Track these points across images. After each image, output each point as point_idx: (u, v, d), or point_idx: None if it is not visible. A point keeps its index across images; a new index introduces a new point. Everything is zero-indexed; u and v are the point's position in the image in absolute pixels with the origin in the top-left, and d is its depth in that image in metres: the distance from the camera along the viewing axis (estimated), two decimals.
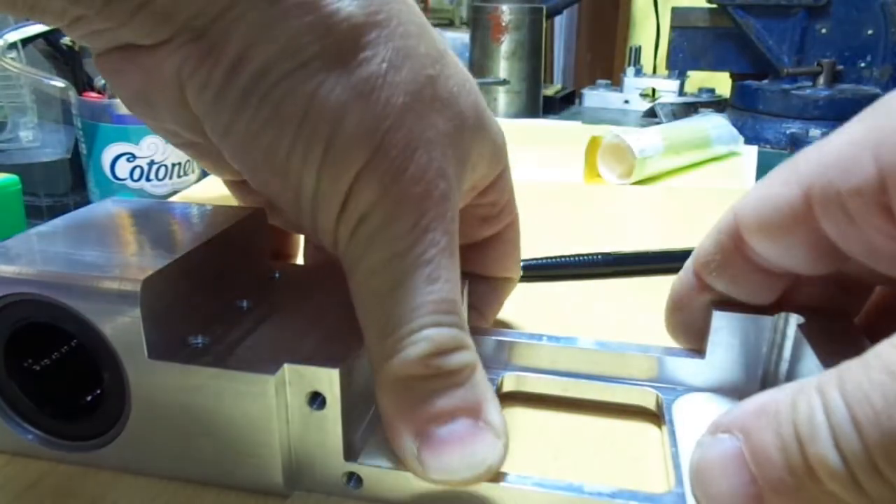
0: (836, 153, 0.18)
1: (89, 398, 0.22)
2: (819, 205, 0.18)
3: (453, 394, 0.20)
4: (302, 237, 0.30)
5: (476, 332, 0.26)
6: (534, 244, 0.43)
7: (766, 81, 0.86)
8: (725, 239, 0.22)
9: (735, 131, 0.71)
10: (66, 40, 0.55)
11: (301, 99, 0.19)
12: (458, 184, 0.22)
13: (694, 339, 0.25)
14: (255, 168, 0.20)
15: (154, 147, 0.52)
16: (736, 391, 0.25)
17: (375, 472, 0.21)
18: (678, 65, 0.97)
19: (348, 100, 0.19)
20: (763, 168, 0.66)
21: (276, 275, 0.26)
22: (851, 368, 0.14)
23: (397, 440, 0.20)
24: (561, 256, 0.39)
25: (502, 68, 0.92)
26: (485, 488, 0.20)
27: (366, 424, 0.22)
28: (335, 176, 0.19)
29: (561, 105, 1.05)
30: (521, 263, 0.38)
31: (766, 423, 0.15)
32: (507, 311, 0.34)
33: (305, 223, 0.21)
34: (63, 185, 0.56)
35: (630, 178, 0.59)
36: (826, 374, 0.15)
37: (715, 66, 0.96)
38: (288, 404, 0.20)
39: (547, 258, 0.39)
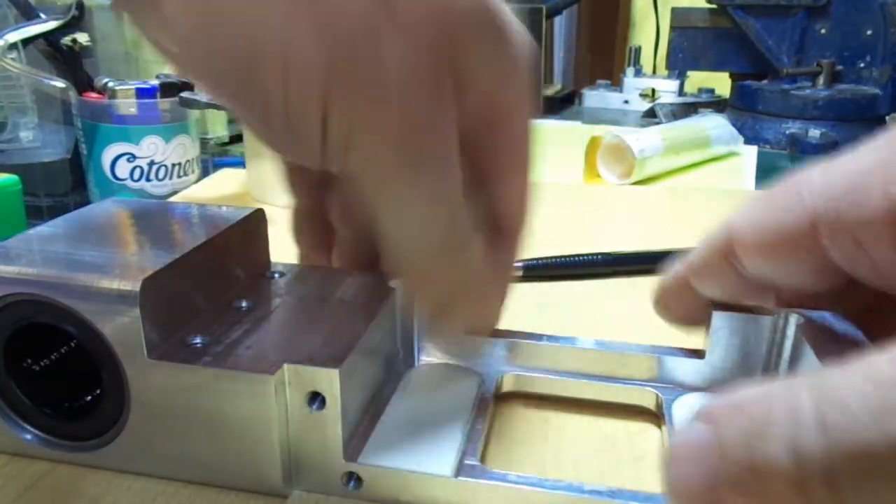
0: (845, 183, 0.18)
1: (89, 398, 0.22)
2: (827, 234, 0.18)
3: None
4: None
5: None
6: (534, 244, 0.43)
7: (765, 82, 0.86)
8: (717, 255, 0.22)
9: (735, 131, 0.71)
10: (66, 40, 0.55)
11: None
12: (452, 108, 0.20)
13: (687, 325, 0.25)
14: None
15: (154, 147, 0.52)
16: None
17: (375, 472, 0.21)
18: (678, 65, 0.97)
19: (289, 10, 0.17)
20: (762, 168, 0.66)
21: (276, 275, 0.26)
22: (833, 372, 0.14)
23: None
24: (561, 256, 0.39)
25: None
26: (485, 488, 0.20)
27: (366, 424, 0.22)
28: (301, 100, 0.18)
29: (561, 105, 1.05)
30: (522, 264, 0.38)
31: (735, 416, 0.14)
32: (507, 310, 0.34)
33: (294, 150, 0.20)
34: (63, 186, 0.56)
35: (630, 179, 0.59)
36: (806, 375, 0.14)
37: (715, 67, 0.96)
38: (287, 404, 0.20)
39: (547, 258, 0.39)
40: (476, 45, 0.21)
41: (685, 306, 0.25)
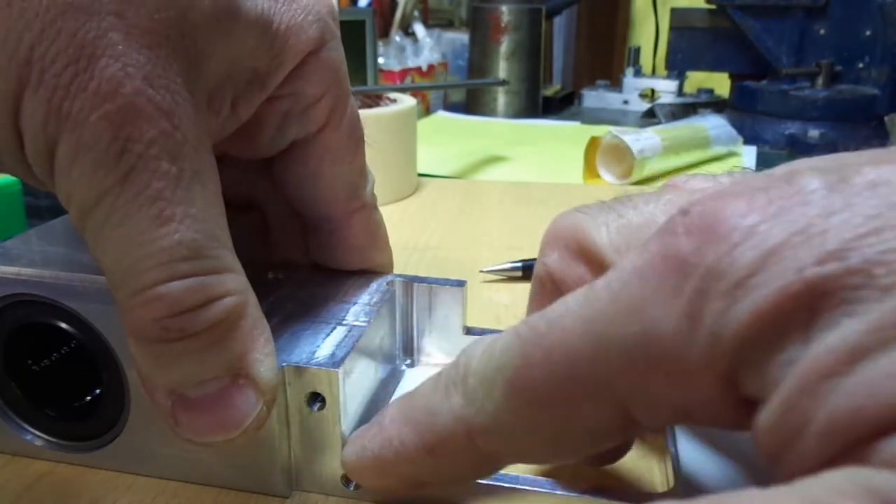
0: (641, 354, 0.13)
1: (89, 398, 0.22)
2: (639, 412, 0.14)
3: (205, 354, 0.17)
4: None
5: (474, 332, 0.26)
6: (534, 244, 0.43)
7: (764, 82, 0.86)
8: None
9: (734, 132, 0.71)
10: None
11: None
12: (192, 91, 0.17)
13: None
14: None
15: None
16: None
17: None
18: (677, 65, 0.97)
19: None
20: (762, 168, 0.66)
21: (275, 276, 0.26)
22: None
23: (150, 395, 0.18)
24: None
25: (502, 69, 0.92)
26: (485, 488, 0.20)
27: (365, 424, 0.22)
28: None
29: (560, 105, 1.05)
30: (522, 264, 0.38)
31: None
32: (506, 311, 0.34)
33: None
34: None
35: (629, 179, 0.59)
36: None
37: (714, 67, 0.96)
38: (287, 405, 0.20)
39: None
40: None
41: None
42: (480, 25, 0.93)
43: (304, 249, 0.26)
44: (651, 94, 0.99)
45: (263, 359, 0.18)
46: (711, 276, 0.11)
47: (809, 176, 0.11)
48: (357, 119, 0.24)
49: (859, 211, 0.10)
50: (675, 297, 0.11)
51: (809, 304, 0.10)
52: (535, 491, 0.20)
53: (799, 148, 0.76)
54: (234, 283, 0.18)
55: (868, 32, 0.81)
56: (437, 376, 0.17)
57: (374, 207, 0.26)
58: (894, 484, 0.08)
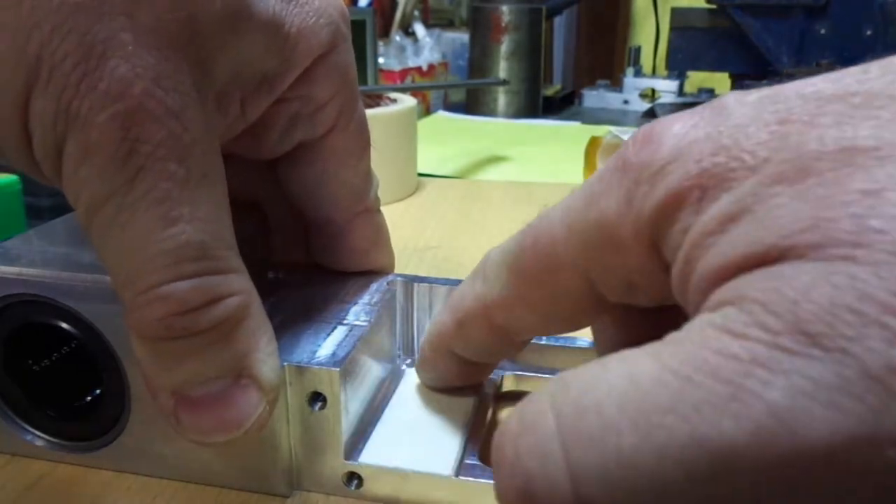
0: (595, 230, 0.15)
1: (89, 398, 0.22)
2: (599, 281, 0.16)
3: (208, 353, 0.18)
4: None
5: None
6: None
7: (765, 82, 0.86)
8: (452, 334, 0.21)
9: None
10: None
11: None
12: (200, 92, 0.17)
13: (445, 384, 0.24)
14: None
15: None
16: None
17: (376, 472, 0.21)
18: (678, 65, 0.97)
19: None
20: None
21: (277, 275, 0.26)
22: (584, 372, 0.13)
23: (153, 395, 0.18)
24: None
25: (502, 68, 0.92)
26: (485, 488, 0.20)
27: (366, 424, 0.22)
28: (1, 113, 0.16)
29: (560, 105, 1.05)
30: None
31: (504, 446, 0.13)
32: None
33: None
34: None
35: None
36: (558, 377, 0.13)
37: (714, 67, 0.96)
38: (288, 404, 0.20)
39: None
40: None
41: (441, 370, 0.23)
42: (480, 25, 0.93)
43: (305, 250, 0.26)
44: (651, 94, 0.99)
45: (266, 358, 0.19)
46: (641, 168, 0.14)
47: (726, 97, 0.14)
48: (364, 123, 0.24)
49: (747, 117, 0.12)
50: (618, 187, 0.14)
51: (702, 185, 0.12)
52: None
53: None
54: (239, 284, 0.18)
55: (868, 32, 0.81)
56: (471, 272, 0.20)
57: (378, 211, 0.26)
58: (729, 314, 0.11)
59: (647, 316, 0.17)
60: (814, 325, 0.10)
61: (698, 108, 0.14)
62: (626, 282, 0.15)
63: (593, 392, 0.11)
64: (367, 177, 0.25)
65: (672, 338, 0.12)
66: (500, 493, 0.13)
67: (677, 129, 0.13)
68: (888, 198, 0.10)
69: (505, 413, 0.25)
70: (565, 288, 0.16)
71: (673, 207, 0.13)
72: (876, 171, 0.10)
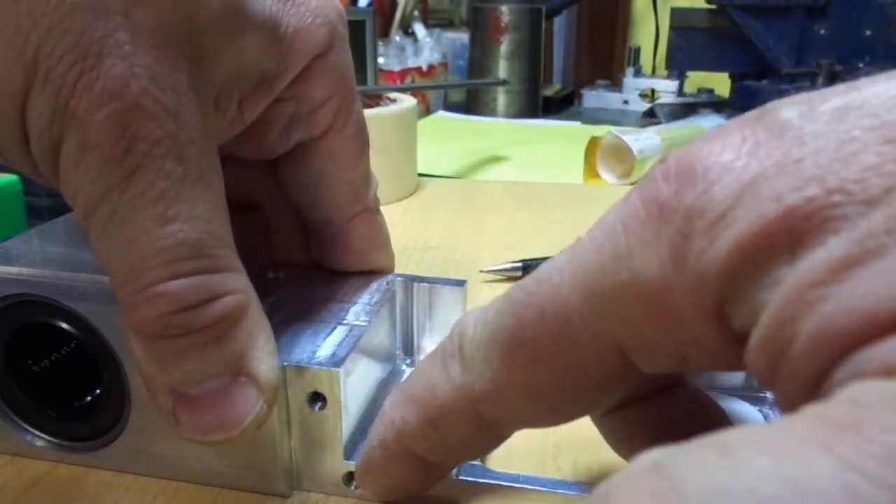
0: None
1: (89, 399, 0.22)
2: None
3: (206, 351, 0.17)
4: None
5: None
6: (534, 244, 0.43)
7: (764, 82, 0.86)
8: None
9: None
10: None
11: None
12: (198, 92, 0.17)
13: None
14: None
15: None
16: (734, 388, 0.25)
17: None
18: (677, 65, 0.97)
19: None
20: None
21: (276, 275, 0.26)
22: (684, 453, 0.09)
23: (151, 393, 0.18)
24: None
25: (502, 68, 0.92)
26: (485, 488, 0.20)
27: (366, 424, 0.22)
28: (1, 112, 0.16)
29: (560, 105, 1.05)
30: (522, 264, 0.38)
31: None
32: None
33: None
34: None
35: (629, 179, 0.59)
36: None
37: (714, 67, 0.96)
38: (288, 404, 0.20)
39: (547, 258, 0.39)
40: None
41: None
42: (480, 25, 0.93)
43: (305, 250, 0.26)
44: (651, 94, 0.99)
45: (265, 357, 0.19)
46: (691, 216, 0.11)
47: (780, 110, 0.11)
48: (363, 123, 0.24)
49: (832, 137, 0.10)
50: (657, 241, 0.11)
51: (791, 229, 0.10)
52: (535, 490, 0.20)
53: None
54: (237, 282, 0.18)
55: (868, 32, 0.81)
56: (432, 353, 0.17)
57: (378, 211, 0.26)
58: None
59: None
60: None
61: (744, 127, 0.11)
62: (677, 355, 0.12)
63: (722, 487, 0.08)
64: (367, 177, 0.25)
65: (835, 418, 0.08)
66: None
67: (725, 156, 0.11)
68: None
69: None
70: (588, 364, 0.13)
71: (749, 262, 0.10)
72: None
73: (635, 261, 0.12)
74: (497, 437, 0.17)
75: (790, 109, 0.11)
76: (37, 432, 0.23)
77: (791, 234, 0.10)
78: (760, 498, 0.07)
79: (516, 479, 0.20)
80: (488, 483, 0.20)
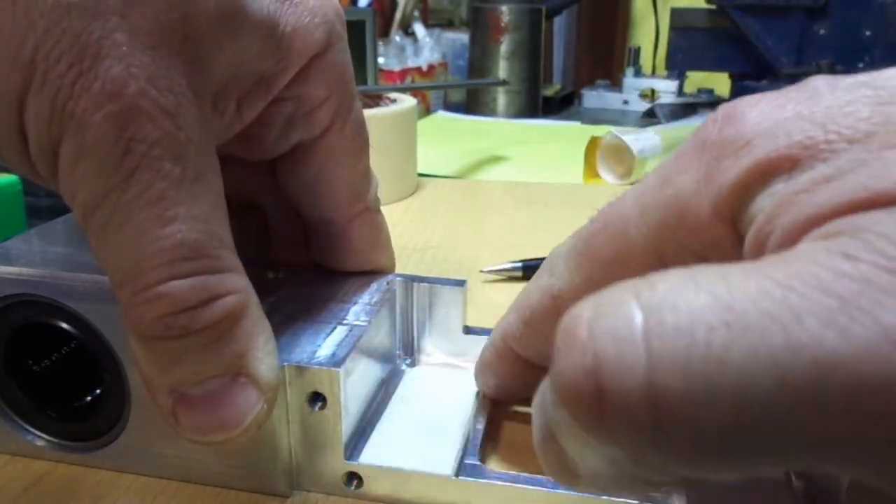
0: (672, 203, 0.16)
1: (89, 399, 0.22)
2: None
3: (206, 352, 0.18)
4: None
5: (474, 331, 0.26)
6: (534, 244, 0.43)
7: (764, 82, 0.86)
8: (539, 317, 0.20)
9: None
10: None
11: None
12: (196, 92, 0.17)
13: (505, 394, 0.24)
14: None
15: None
16: None
17: (376, 472, 0.21)
18: (677, 65, 0.97)
19: None
20: None
21: (276, 275, 0.26)
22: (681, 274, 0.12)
23: (151, 394, 0.18)
24: None
25: (502, 68, 0.92)
26: (485, 488, 0.20)
27: (366, 424, 0.22)
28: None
29: (560, 105, 1.05)
30: (522, 264, 0.38)
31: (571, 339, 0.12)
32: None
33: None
34: None
35: (629, 179, 0.59)
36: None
37: (714, 67, 0.96)
38: (288, 404, 0.20)
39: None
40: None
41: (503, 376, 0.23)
42: (480, 25, 0.93)
43: (305, 250, 0.26)
44: (651, 94, 0.99)
45: (264, 357, 0.19)
46: (724, 144, 0.14)
47: (814, 80, 0.14)
48: (362, 122, 0.24)
49: (841, 99, 0.13)
50: (698, 164, 0.14)
51: (792, 156, 0.12)
52: (535, 490, 0.20)
53: None
54: (236, 283, 0.18)
55: (868, 32, 0.81)
56: (535, 273, 0.20)
57: (378, 211, 0.26)
58: (846, 241, 0.10)
59: None
60: None
61: (784, 90, 0.14)
62: (700, 257, 0.15)
63: (683, 290, 0.11)
64: (366, 176, 0.25)
65: (773, 258, 0.11)
66: (562, 371, 0.11)
67: (763, 107, 0.14)
68: None
69: (504, 412, 0.25)
70: (637, 267, 0.16)
71: (759, 178, 0.13)
72: None
73: (678, 179, 0.15)
74: None
75: (821, 80, 0.14)
76: (37, 432, 0.23)
77: (792, 160, 0.12)
78: (702, 288, 0.11)
79: (516, 479, 0.20)
80: (489, 483, 0.20)
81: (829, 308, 0.10)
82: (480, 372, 0.23)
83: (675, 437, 0.10)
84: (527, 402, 0.26)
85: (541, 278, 0.19)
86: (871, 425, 0.09)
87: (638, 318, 0.11)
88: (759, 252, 0.13)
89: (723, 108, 0.14)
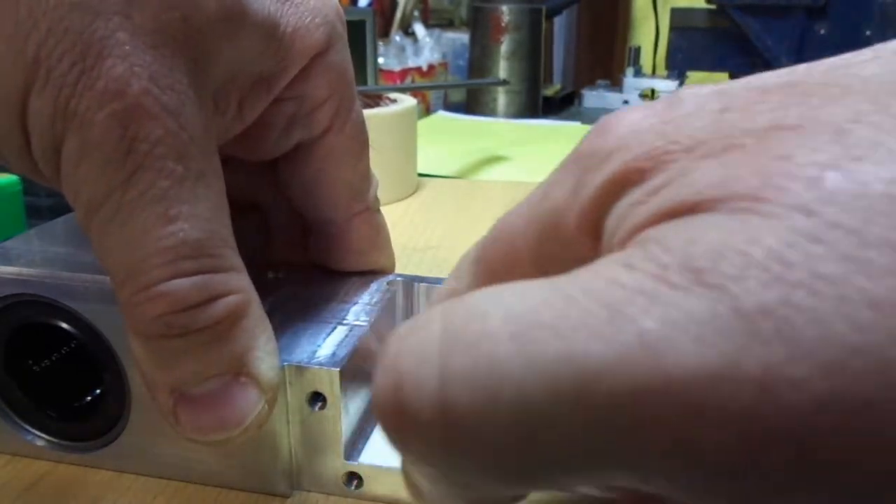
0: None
1: (89, 399, 0.22)
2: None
3: (207, 351, 0.18)
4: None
5: None
6: None
7: None
8: None
9: None
10: None
11: None
12: (197, 91, 0.17)
13: None
14: None
15: None
16: None
17: (376, 472, 0.21)
18: (677, 65, 0.97)
19: None
20: None
21: (276, 275, 0.26)
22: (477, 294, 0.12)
23: (152, 393, 0.18)
24: None
25: (502, 68, 0.92)
26: None
27: (366, 424, 0.22)
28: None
29: (560, 105, 1.05)
30: None
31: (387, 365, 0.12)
32: None
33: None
34: None
35: None
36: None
37: (714, 67, 0.96)
38: (288, 404, 0.20)
39: None
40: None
41: None
42: (480, 25, 0.93)
43: (305, 250, 0.26)
44: (651, 94, 0.99)
45: (265, 357, 0.19)
46: (591, 156, 0.14)
47: (684, 90, 0.14)
48: (362, 122, 0.24)
49: (697, 104, 0.13)
50: (570, 177, 0.14)
51: (641, 168, 0.12)
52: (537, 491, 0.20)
53: None
54: (238, 282, 0.18)
55: (868, 32, 0.81)
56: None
57: (378, 211, 0.26)
58: (630, 252, 0.11)
59: None
60: (701, 262, 0.10)
61: (656, 101, 0.14)
62: (570, 270, 0.15)
63: (484, 305, 0.11)
64: (366, 176, 0.25)
65: (573, 271, 0.12)
66: (374, 393, 0.12)
67: (629, 119, 0.14)
68: (797, 161, 0.10)
69: None
70: (522, 277, 0.16)
71: (614, 191, 0.13)
72: (791, 141, 0.11)
73: (554, 191, 0.15)
74: None
75: (688, 90, 0.14)
76: (37, 432, 0.23)
77: (640, 171, 0.12)
78: (500, 302, 0.11)
79: None
80: None
81: (598, 317, 0.10)
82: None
83: (468, 453, 0.10)
84: None
85: (448, 282, 0.18)
86: (636, 434, 0.09)
87: (438, 333, 0.11)
88: None
89: (600, 120, 0.14)
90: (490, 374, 0.10)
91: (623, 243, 0.12)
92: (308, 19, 0.21)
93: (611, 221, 0.13)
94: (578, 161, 0.14)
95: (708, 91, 0.13)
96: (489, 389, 0.10)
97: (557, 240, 0.15)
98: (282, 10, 0.20)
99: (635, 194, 0.12)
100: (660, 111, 0.13)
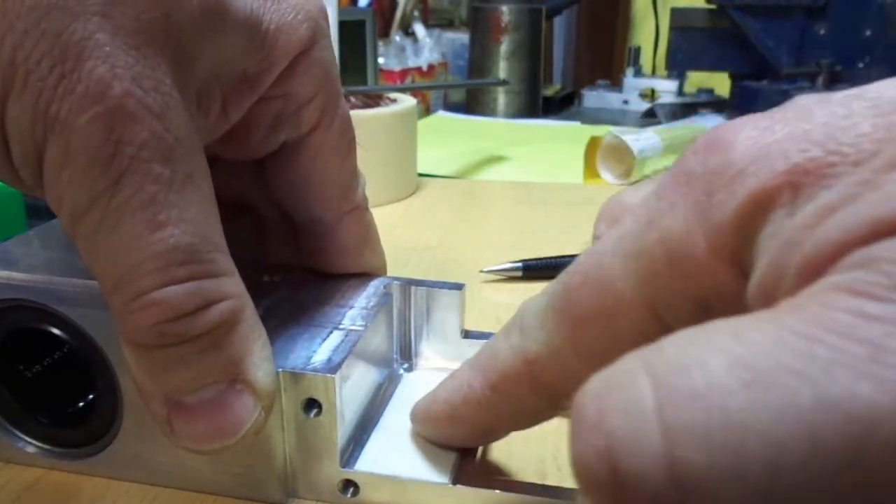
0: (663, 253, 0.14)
1: (82, 405, 0.22)
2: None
3: (202, 359, 0.17)
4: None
5: (472, 335, 0.26)
6: (534, 244, 0.43)
7: (764, 82, 0.86)
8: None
9: None
10: None
11: None
12: (181, 92, 0.17)
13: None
14: None
15: None
16: None
17: (372, 479, 0.20)
18: (677, 65, 0.96)
19: None
20: None
21: (271, 278, 0.26)
22: (688, 338, 0.11)
23: (146, 403, 0.18)
24: (561, 256, 0.38)
25: (502, 68, 0.92)
26: (483, 495, 0.20)
27: (363, 431, 0.22)
28: None
29: (560, 105, 1.05)
30: (522, 264, 0.38)
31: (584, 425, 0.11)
32: (506, 311, 0.34)
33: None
34: None
35: (629, 179, 0.59)
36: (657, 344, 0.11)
37: (714, 67, 0.96)
38: (283, 411, 0.20)
39: (547, 258, 0.38)
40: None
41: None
42: (480, 25, 0.93)
43: (298, 252, 0.26)
44: (651, 94, 0.99)
45: (261, 363, 0.18)
46: (712, 176, 0.12)
47: (802, 99, 0.13)
48: (348, 120, 0.24)
49: (837, 113, 0.12)
50: (684, 202, 0.13)
51: (794, 183, 0.11)
52: (535, 499, 0.19)
53: None
54: (231, 287, 0.18)
55: (868, 32, 0.81)
56: (501, 329, 0.18)
57: (367, 209, 0.25)
58: (862, 277, 0.10)
59: None
60: None
61: (769, 112, 0.13)
62: (701, 304, 0.13)
63: (694, 351, 0.10)
64: (354, 174, 0.25)
65: (787, 304, 0.10)
66: (577, 458, 0.10)
67: (749, 130, 0.12)
68: None
69: None
70: (627, 324, 0.14)
71: (759, 211, 0.12)
72: None
73: (664, 220, 0.13)
74: (551, 402, 0.17)
75: (808, 98, 0.13)
76: (28, 439, 0.22)
77: (793, 187, 0.11)
78: (715, 346, 0.10)
79: (513, 486, 0.20)
80: (486, 492, 0.20)
81: (858, 356, 0.09)
82: (423, 422, 0.21)
83: None
84: None
85: (510, 338, 0.17)
86: None
87: (648, 387, 0.10)
88: (769, 298, 0.11)
89: (703, 137, 0.13)
90: (728, 428, 0.09)
91: (812, 272, 0.11)
92: (291, 16, 0.20)
93: (763, 244, 0.12)
94: (693, 183, 0.13)
95: (839, 98, 0.12)
96: (730, 446, 0.09)
97: (678, 273, 0.13)
98: (264, 7, 0.20)
99: (802, 215, 0.11)
100: (787, 119, 0.12)
